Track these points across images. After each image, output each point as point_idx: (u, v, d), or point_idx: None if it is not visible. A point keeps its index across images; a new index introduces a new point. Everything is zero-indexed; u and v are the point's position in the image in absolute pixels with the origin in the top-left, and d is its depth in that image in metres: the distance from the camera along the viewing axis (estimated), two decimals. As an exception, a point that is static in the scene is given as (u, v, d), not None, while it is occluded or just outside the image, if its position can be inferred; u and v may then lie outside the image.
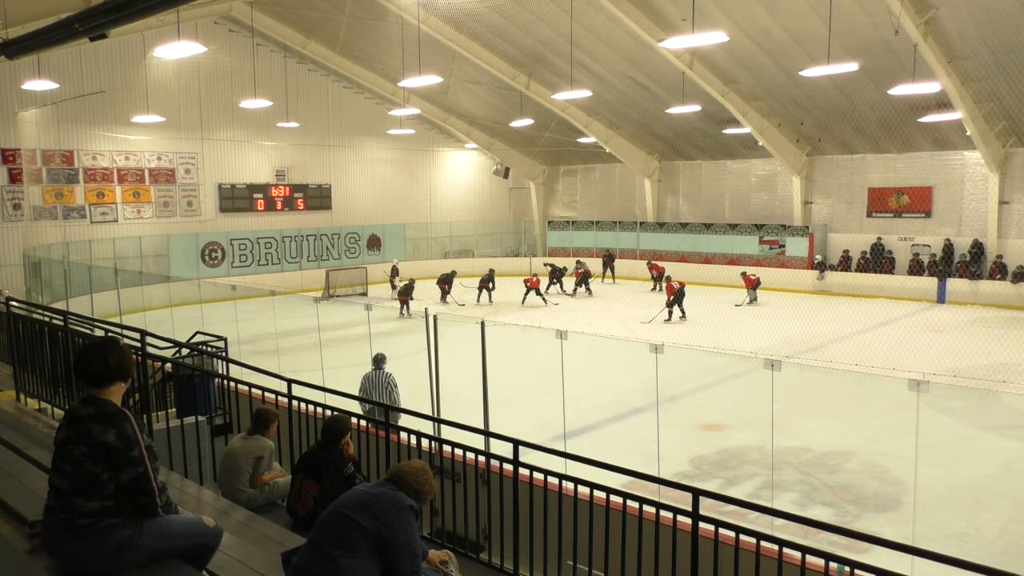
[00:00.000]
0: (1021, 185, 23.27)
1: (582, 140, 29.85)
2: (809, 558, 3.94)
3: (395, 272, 26.24)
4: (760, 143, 25.77)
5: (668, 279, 21.83)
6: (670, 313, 20.86)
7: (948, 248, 24.59)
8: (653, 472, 5.52)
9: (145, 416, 6.38)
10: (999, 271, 23.25)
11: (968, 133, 21.66)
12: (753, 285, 24.13)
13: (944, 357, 14.88)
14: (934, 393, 7.27)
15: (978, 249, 23.64)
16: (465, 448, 5.54)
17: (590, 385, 12.84)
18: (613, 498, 4.71)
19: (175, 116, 24.37)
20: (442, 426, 7.02)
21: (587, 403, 11.94)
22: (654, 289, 26.47)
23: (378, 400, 9.31)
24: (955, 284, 23.70)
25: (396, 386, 9.64)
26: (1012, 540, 7.94)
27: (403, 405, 9.32)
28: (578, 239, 32.85)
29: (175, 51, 17.50)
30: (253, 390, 6.87)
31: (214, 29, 24.79)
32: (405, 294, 22.46)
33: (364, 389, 9.62)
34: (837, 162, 27.06)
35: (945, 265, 24.43)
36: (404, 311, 21.82)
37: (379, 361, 9.88)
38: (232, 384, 7.16)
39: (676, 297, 21.05)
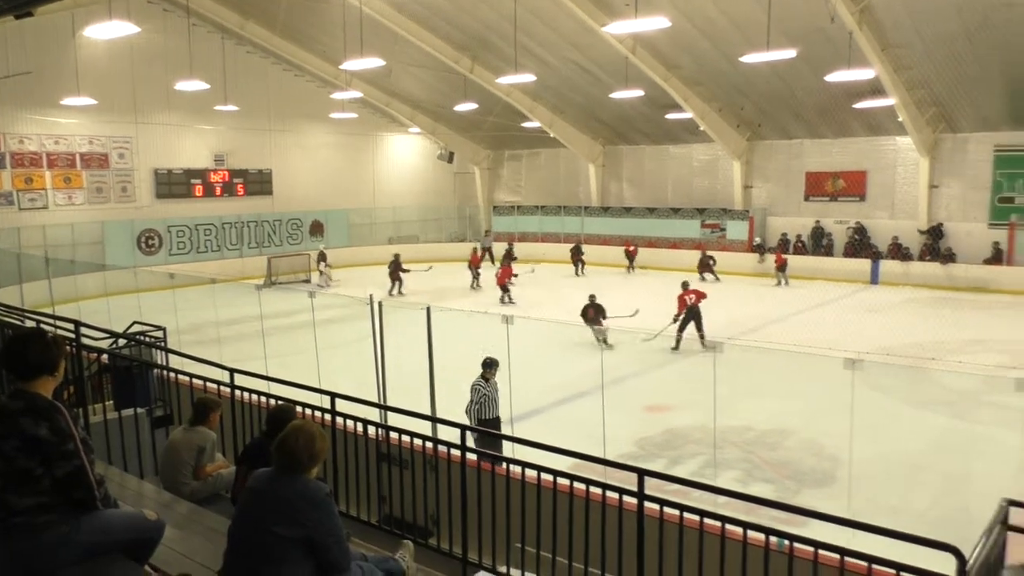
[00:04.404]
0: (949, 169, 24.10)
1: (526, 125, 29.85)
2: (751, 533, 4.05)
3: (322, 257, 26.07)
4: (702, 128, 26.15)
5: (685, 286, 16.34)
6: (678, 341, 15.57)
7: (861, 230, 25.57)
8: (599, 454, 5.60)
9: (81, 409, 6.20)
10: (929, 252, 24.08)
11: (900, 119, 22.33)
12: (780, 266, 24.77)
13: (877, 336, 15.38)
14: (868, 371, 7.51)
15: (937, 233, 24.24)
16: (412, 434, 5.53)
17: (536, 369, 12.91)
18: (560, 480, 4.76)
19: (107, 99, 23.57)
20: (389, 413, 6.99)
21: (533, 387, 12.00)
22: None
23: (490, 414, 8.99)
24: (888, 266, 24.48)
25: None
26: (942, 512, 8.26)
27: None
28: (523, 224, 32.94)
29: (106, 31, 16.85)
30: (194, 380, 6.74)
31: (147, 8, 23.98)
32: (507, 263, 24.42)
33: (482, 401, 9.03)
34: (776, 147, 27.62)
35: (858, 245, 25.44)
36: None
37: (490, 366, 9.23)
38: (172, 375, 7.01)
39: (688, 314, 15.73)
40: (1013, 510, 3.88)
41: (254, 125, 28.14)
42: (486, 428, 8.63)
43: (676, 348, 15.40)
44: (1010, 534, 3.83)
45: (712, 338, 8.57)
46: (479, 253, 26.42)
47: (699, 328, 15.60)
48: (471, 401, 9.01)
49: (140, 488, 5.29)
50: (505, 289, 21.91)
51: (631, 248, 28.29)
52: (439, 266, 26.74)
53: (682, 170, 30.24)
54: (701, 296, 16.03)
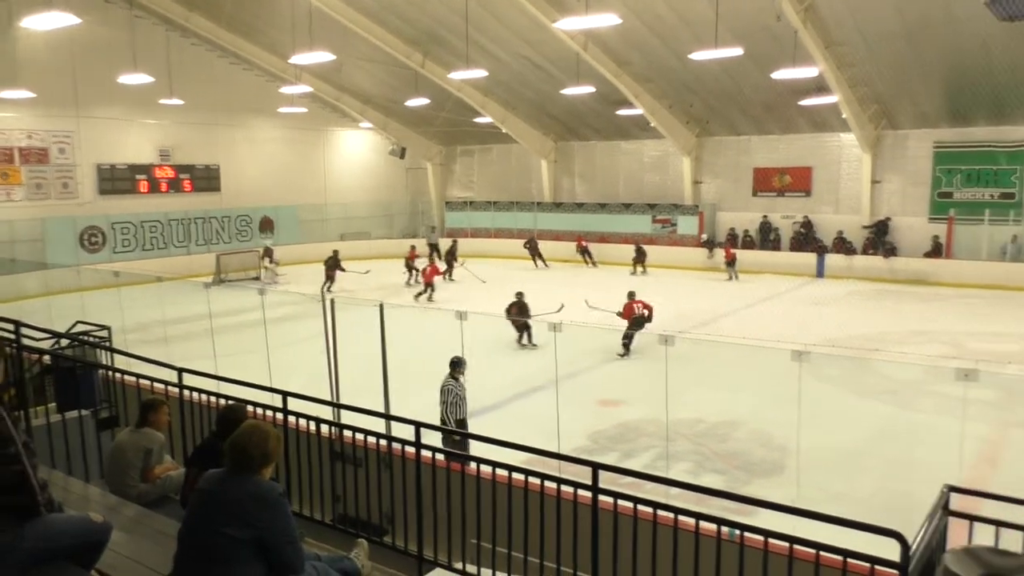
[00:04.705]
0: (891, 165, 24.77)
1: (478, 120, 29.80)
2: (702, 524, 4.11)
3: (267, 253, 25.80)
4: (652, 124, 26.41)
5: (631, 296, 15.85)
6: (625, 347, 15.06)
7: (807, 225, 26.15)
8: (554, 448, 5.62)
9: (22, 412, 6.02)
10: (872, 246, 24.72)
11: (844, 116, 22.87)
12: (730, 260, 24.97)
13: (823, 328, 15.74)
14: (814, 363, 7.68)
15: (883, 227, 24.79)
16: (366, 432, 5.49)
17: (489, 365, 12.92)
18: (515, 475, 4.77)
19: (47, 91, 22.81)
20: (342, 411, 6.93)
21: (488, 383, 12.02)
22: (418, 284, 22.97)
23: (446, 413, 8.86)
24: (833, 259, 25.07)
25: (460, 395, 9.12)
26: (886, 498, 8.50)
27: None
28: (476, 220, 32.91)
29: (46, 22, 16.32)
30: (141, 381, 6.58)
31: (88, -1, 23.31)
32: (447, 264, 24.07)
33: (456, 401, 8.94)
34: (725, 143, 28.04)
35: (804, 240, 26.01)
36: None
37: (458, 365, 9.15)
38: (118, 375, 6.84)
39: (635, 322, 15.26)
40: (954, 496, 4.01)
41: (200, 119, 27.52)
42: (458, 428, 8.59)
43: (625, 354, 15.06)
44: (951, 519, 3.96)
45: (663, 332, 8.72)
46: (416, 250, 26.07)
47: (632, 334, 15.15)
48: (445, 402, 8.95)
49: (85, 492, 5.16)
50: (428, 287, 21.59)
51: (583, 243, 28.48)
52: (389, 263, 26.52)
53: (633, 166, 30.52)
54: (649, 309, 15.51)
